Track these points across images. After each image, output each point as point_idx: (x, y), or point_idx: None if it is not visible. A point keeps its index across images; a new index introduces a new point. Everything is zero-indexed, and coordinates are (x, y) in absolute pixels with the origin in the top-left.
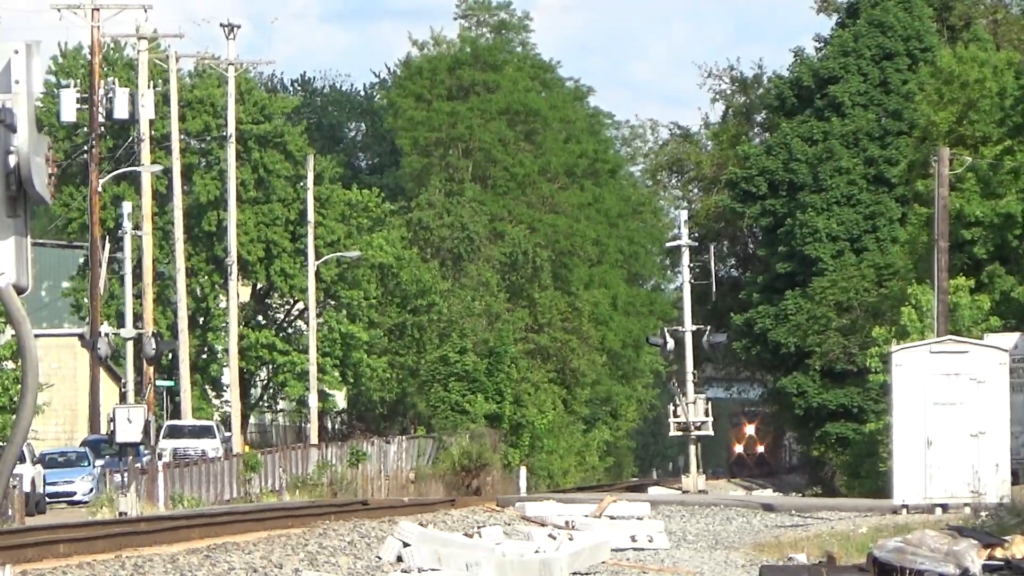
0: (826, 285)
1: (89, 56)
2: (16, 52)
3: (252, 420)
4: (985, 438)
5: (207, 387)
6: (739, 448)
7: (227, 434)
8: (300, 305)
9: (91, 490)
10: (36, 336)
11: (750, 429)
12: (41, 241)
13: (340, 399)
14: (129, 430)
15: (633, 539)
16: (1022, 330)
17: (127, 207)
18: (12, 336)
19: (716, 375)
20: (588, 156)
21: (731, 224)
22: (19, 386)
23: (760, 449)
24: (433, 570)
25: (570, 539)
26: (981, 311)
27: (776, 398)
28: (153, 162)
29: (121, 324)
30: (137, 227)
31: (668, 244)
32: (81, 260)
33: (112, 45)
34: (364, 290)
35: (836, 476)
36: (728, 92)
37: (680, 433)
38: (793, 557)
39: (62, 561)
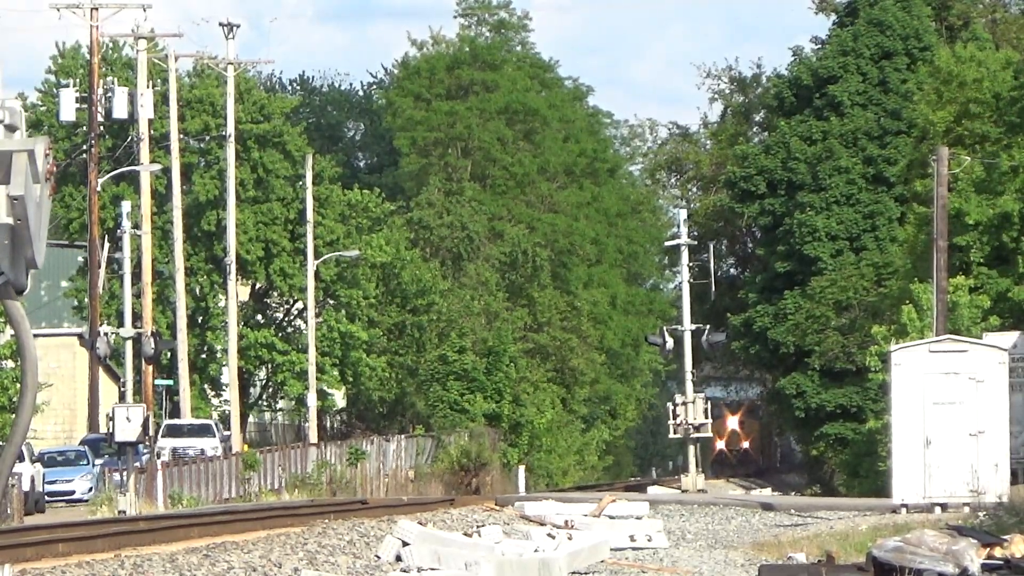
0: (825, 284)
1: (88, 56)
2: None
3: (251, 419)
4: (984, 437)
5: (206, 386)
6: (720, 444)
7: (226, 433)
8: (299, 304)
9: (90, 489)
10: (35, 336)
11: (732, 422)
12: None
13: (339, 398)
14: (128, 429)
15: (632, 538)
16: (1021, 329)
17: (126, 207)
18: (12, 336)
19: (715, 374)
20: (587, 155)
21: (730, 223)
22: (18, 385)
23: (745, 445)
24: (432, 569)
25: (569, 538)
26: (980, 310)
27: (775, 399)
28: (152, 162)
29: (120, 324)
30: (136, 227)
31: (667, 243)
32: (81, 260)
33: (111, 45)
34: (363, 289)
35: (835, 475)
36: (727, 92)
37: (679, 435)
38: (792, 556)
39: (61, 560)
